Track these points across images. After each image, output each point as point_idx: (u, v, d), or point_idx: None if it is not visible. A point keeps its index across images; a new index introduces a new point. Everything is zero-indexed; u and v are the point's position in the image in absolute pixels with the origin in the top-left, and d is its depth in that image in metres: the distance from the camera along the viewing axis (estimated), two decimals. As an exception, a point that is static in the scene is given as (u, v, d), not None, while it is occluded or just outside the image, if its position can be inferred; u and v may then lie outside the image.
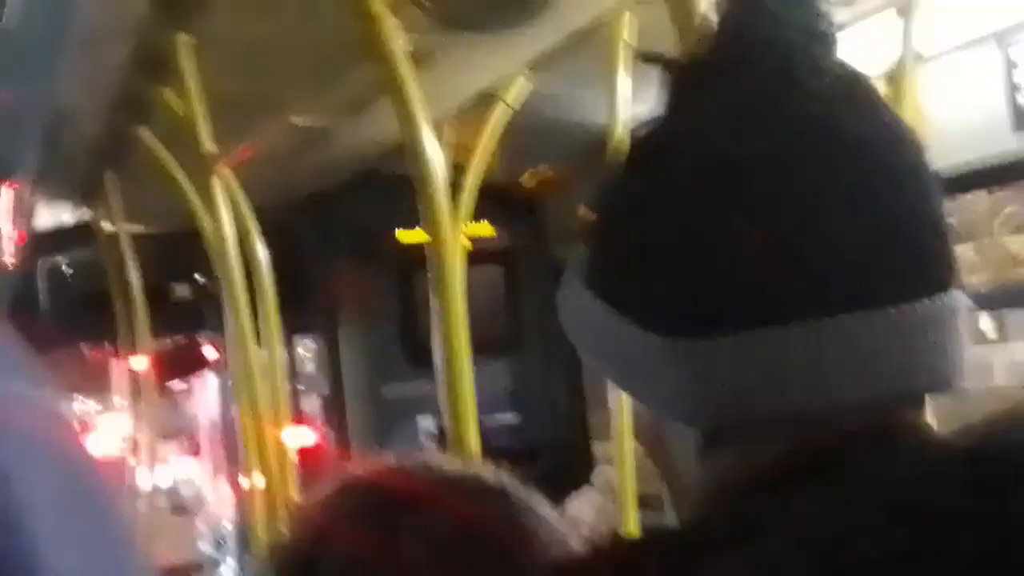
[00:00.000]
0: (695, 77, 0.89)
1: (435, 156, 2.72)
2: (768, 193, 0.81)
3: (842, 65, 0.87)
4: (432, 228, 2.77)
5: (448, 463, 1.24)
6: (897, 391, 0.81)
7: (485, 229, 6.36)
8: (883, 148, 0.84)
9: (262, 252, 4.49)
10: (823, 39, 0.87)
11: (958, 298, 0.84)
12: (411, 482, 1.17)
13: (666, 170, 0.86)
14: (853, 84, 0.86)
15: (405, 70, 2.64)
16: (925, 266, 0.83)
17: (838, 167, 0.82)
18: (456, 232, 3.04)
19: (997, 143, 3.67)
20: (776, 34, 0.85)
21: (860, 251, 0.81)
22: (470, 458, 2.54)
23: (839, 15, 0.91)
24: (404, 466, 1.22)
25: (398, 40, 2.60)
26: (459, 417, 2.88)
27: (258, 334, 4.50)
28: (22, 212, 6.19)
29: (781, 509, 0.78)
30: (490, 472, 1.21)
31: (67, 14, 4.15)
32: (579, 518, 5.20)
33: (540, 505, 1.19)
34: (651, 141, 0.90)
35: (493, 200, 5.75)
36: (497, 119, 4.15)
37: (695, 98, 0.87)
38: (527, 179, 6.34)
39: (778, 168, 0.82)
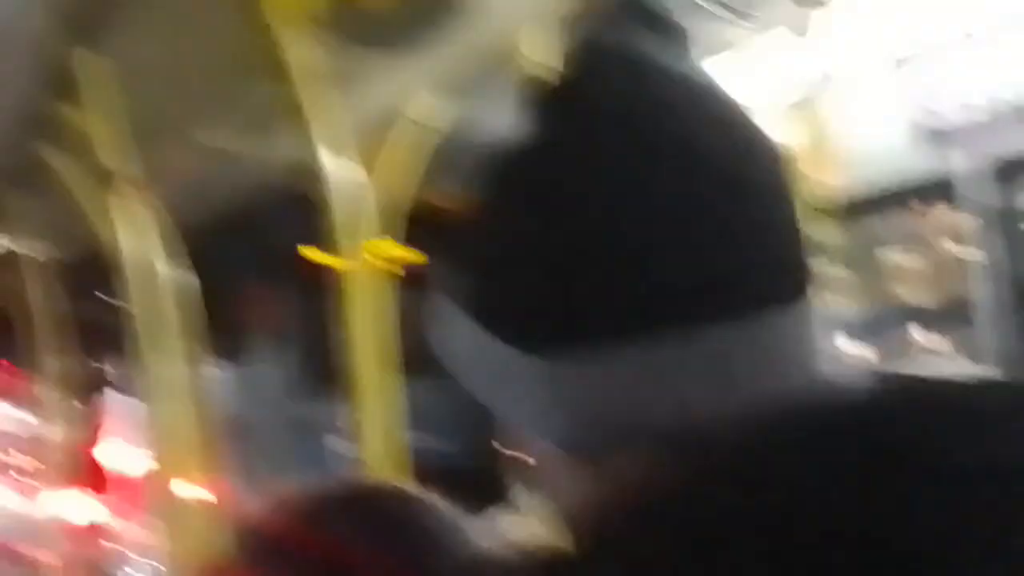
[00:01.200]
0: (553, 89, 0.89)
1: (345, 174, 2.70)
2: (619, 206, 0.81)
3: (696, 73, 0.87)
4: (336, 247, 2.76)
5: (370, 483, 1.23)
6: (739, 408, 0.81)
7: (414, 255, 6.34)
8: (736, 158, 0.84)
9: (171, 273, 4.44)
10: (677, 51, 0.87)
11: (811, 307, 0.84)
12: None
13: (517, 183, 0.85)
14: (705, 93, 0.86)
15: (313, 89, 2.62)
16: (778, 276, 0.83)
17: (691, 179, 0.82)
18: (362, 251, 3.03)
19: (901, 163, 3.72)
20: (628, 45, 0.85)
21: (713, 262, 0.81)
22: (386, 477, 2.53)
23: (743, 37, 0.91)
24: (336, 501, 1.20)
25: (301, 57, 2.57)
26: (370, 437, 2.86)
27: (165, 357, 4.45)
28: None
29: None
30: (422, 496, 1.20)
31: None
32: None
33: (470, 528, 1.18)
34: (504, 158, 0.90)
35: (409, 222, 5.74)
36: (409, 138, 4.14)
37: (550, 107, 0.87)
38: (439, 201, 6.33)
39: (630, 182, 0.82)
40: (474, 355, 0.88)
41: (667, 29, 0.87)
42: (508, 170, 0.88)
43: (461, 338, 0.89)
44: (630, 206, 0.81)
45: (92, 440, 9.04)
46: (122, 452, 8.50)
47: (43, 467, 8.07)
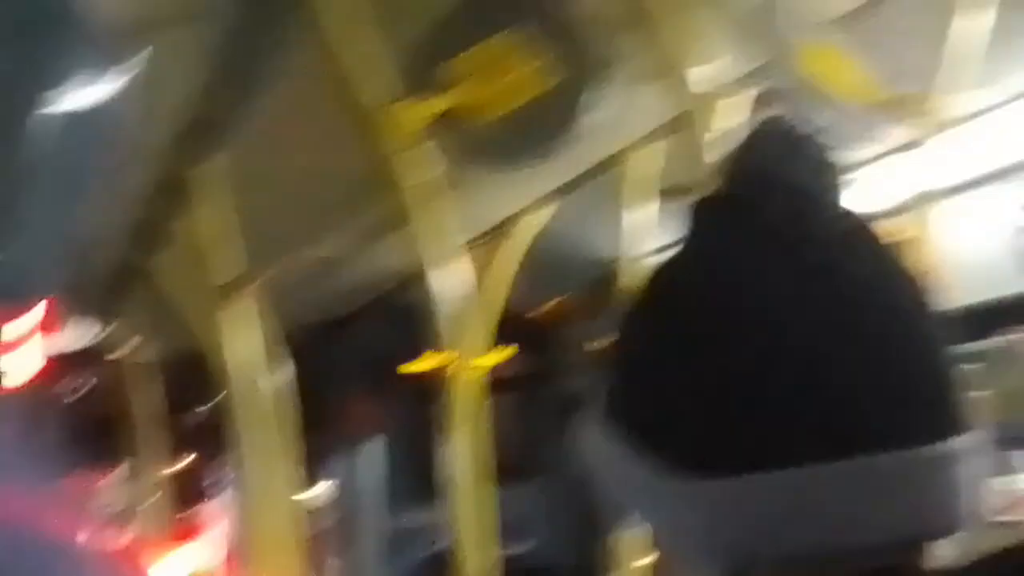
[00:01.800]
0: (710, 215, 0.90)
1: (452, 284, 2.73)
2: (780, 337, 0.82)
3: (849, 211, 0.88)
4: (447, 356, 2.78)
5: None
6: (901, 535, 0.81)
7: (504, 354, 6.36)
8: (889, 293, 0.85)
9: (280, 377, 4.48)
10: (832, 185, 0.88)
11: (967, 442, 0.84)
12: None
13: (681, 310, 0.86)
14: (860, 230, 0.88)
15: (429, 200, 2.66)
16: (932, 411, 0.84)
17: (846, 312, 0.83)
18: (473, 361, 3.04)
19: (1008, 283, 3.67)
20: (788, 178, 0.87)
21: (868, 395, 0.81)
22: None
23: (857, 153, 0.93)
24: None
25: (414, 171, 2.62)
26: (470, 544, 2.86)
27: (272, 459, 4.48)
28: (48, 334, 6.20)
29: None
30: None
31: (93, 141, 4.18)
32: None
33: None
34: (667, 276, 0.91)
35: (511, 328, 5.76)
36: (516, 249, 4.17)
37: (710, 235, 0.88)
38: (545, 308, 6.36)
39: (790, 313, 0.83)
40: (626, 475, 0.89)
41: (823, 157, 0.89)
42: (667, 290, 0.90)
43: (611, 458, 0.90)
44: (795, 334, 0.82)
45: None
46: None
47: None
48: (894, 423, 0.82)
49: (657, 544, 0.93)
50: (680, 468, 0.85)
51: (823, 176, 0.88)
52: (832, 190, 0.88)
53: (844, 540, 0.81)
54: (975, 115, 3.38)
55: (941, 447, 0.83)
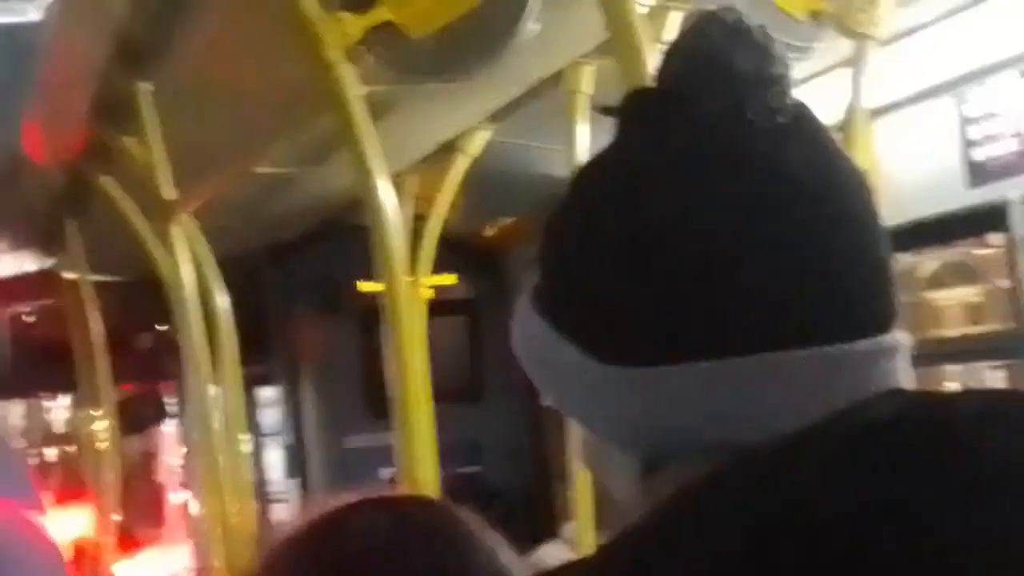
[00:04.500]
0: (645, 107, 0.89)
1: (392, 207, 2.71)
2: (711, 226, 0.82)
3: (795, 106, 0.87)
4: (389, 279, 2.77)
5: (415, 501, 1.25)
6: None
7: (448, 279, 6.38)
8: (829, 188, 0.84)
9: (222, 300, 4.46)
10: (776, 79, 0.87)
11: (897, 339, 0.85)
12: (365, 534, 1.17)
13: (610, 197, 0.86)
14: (803, 125, 0.87)
15: (362, 120, 2.64)
16: (865, 306, 0.84)
17: (784, 205, 0.82)
18: (415, 283, 3.04)
19: (951, 199, 3.70)
20: (729, 71, 0.85)
21: (802, 288, 0.81)
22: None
23: (796, 68, 0.92)
24: (362, 508, 1.21)
25: (355, 89, 2.60)
26: (418, 467, 2.87)
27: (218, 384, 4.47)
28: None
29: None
30: (453, 510, 1.21)
31: (28, 62, 4.15)
32: (543, 566, 5.17)
33: (501, 547, 1.18)
34: (593, 167, 0.90)
35: (455, 251, 5.77)
36: (457, 170, 4.17)
37: (644, 127, 0.88)
38: (489, 230, 6.36)
39: (724, 204, 0.82)
40: (552, 360, 0.89)
41: (767, 48, 0.88)
42: (597, 179, 0.89)
43: (539, 343, 0.90)
44: (727, 223, 0.82)
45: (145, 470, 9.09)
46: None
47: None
48: (830, 314, 0.82)
49: (582, 432, 0.93)
50: (598, 353, 0.85)
51: (767, 66, 0.87)
52: (775, 82, 0.87)
53: (755, 434, 0.81)
54: (916, 29, 3.38)
55: (877, 341, 0.83)
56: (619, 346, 0.84)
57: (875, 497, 0.73)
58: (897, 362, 0.84)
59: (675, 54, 0.89)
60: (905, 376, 0.85)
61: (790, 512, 0.74)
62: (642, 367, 0.83)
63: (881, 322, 0.84)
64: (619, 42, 2.11)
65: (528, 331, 0.91)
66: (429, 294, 4.48)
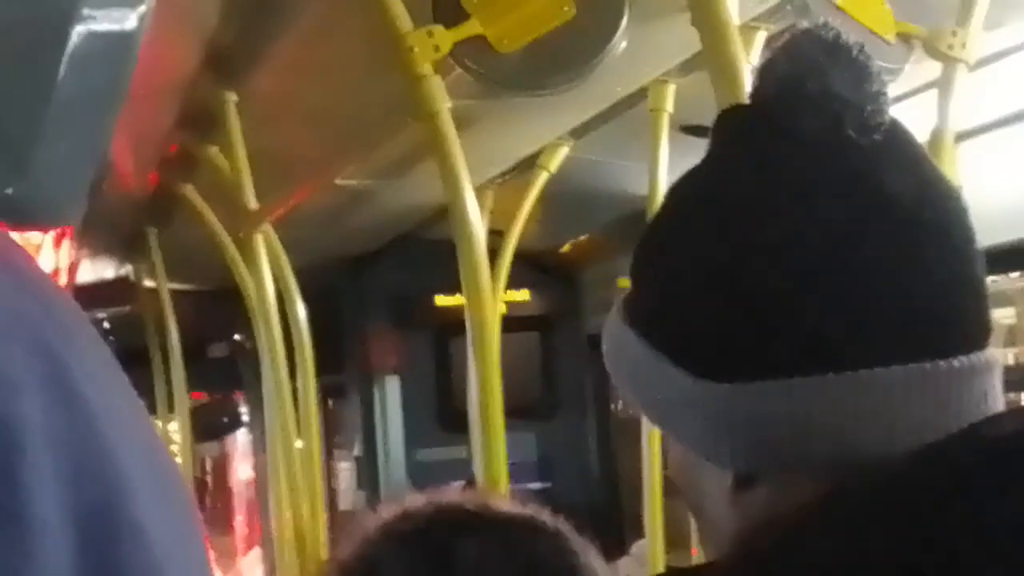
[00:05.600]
0: (742, 126, 0.89)
1: (476, 221, 2.72)
2: (806, 244, 0.82)
3: (892, 124, 0.87)
4: (470, 293, 2.77)
5: (506, 503, 1.26)
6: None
7: (521, 295, 6.38)
8: (924, 207, 0.84)
9: (301, 311, 4.49)
10: (873, 97, 0.87)
11: (992, 356, 0.84)
12: (467, 514, 1.19)
13: (704, 214, 0.86)
14: (900, 143, 0.86)
15: (450, 133, 2.65)
16: (958, 324, 0.83)
17: (877, 223, 0.82)
18: (495, 298, 3.04)
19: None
20: (827, 89, 0.85)
21: (894, 305, 0.81)
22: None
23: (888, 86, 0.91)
24: (462, 500, 1.23)
25: (444, 102, 2.61)
26: (492, 483, 2.87)
27: (295, 394, 4.49)
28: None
29: (792, 552, 0.78)
30: (546, 516, 1.22)
31: (120, 71, 4.18)
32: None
33: (591, 553, 1.20)
34: (691, 185, 0.90)
35: (530, 267, 5.78)
36: (536, 186, 4.17)
37: (742, 146, 0.88)
38: (566, 247, 6.36)
39: (817, 220, 0.82)
40: (645, 375, 0.89)
41: (864, 65, 0.87)
42: (691, 197, 0.89)
43: (632, 357, 0.90)
44: (831, 246, 0.81)
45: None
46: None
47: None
48: (928, 332, 0.82)
49: (672, 446, 0.93)
50: (692, 368, 0.85)
51: (863, 84, 0.87)
52: (873, 99, 0.87)
53: (846, 451, 0.81)
54: (1003, 53, 3.35)
55: (973, 358, 0.83)
56: (715, 362, 0.84)
57: None
58: (993, 379, 0.84)
59: (771, 72, 0.89)
60: (999, 393, 0.84)
61: (969, 527, 0.73)
62: (734, 382, 0.83)
63: (977, 339, 0.84)
64: (714, 59, 2.11)
65: (621, 344, 0.92)
66: (503, 309, 4.48)
